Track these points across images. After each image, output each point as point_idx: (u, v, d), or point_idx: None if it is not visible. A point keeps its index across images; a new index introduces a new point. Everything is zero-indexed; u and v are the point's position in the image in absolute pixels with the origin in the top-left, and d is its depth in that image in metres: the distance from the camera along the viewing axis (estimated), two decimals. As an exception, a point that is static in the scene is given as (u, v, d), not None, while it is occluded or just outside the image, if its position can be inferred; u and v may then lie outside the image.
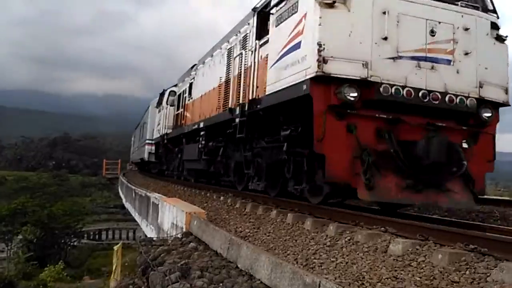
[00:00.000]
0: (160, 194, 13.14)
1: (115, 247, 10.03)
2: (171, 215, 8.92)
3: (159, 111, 23.90)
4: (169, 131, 20.04)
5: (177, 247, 6.55)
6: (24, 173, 73.47)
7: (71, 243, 38.15)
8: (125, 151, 61.90)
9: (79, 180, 76.01)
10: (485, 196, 9.08)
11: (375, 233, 5.22)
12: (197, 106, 14.55)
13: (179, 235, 7.54)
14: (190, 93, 16.03)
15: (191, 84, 16.01)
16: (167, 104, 21.47)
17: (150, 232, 12.42)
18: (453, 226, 5.70)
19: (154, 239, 8.23)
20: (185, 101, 16.99)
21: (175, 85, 21.18)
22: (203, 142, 13.01)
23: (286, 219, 6.88)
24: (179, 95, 18.89)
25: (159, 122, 23.22)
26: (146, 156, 26.91)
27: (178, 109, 18.78)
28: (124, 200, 29.00)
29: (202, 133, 13.20)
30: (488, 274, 3.57)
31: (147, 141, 26.68)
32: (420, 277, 3.79)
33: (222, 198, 10.73)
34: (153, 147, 25.30)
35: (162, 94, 23.84)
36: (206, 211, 8.39)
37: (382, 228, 5.52)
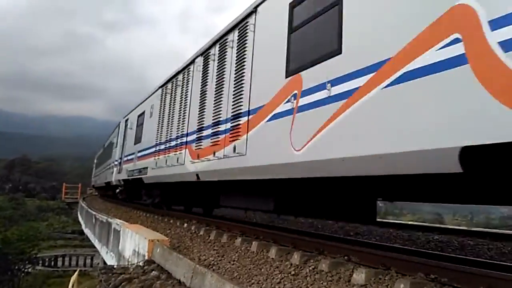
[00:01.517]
0: (122, 220, 12.85)
1: (72, 278, 9.63)
2: (133, 242, 8.73)
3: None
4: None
5: (138, 276, 6.41)
6: (-22, 196, 70.40)
7: (25, 270, 36.51)
8: (85, 175, 60.42)
9: (36, 204, 73.26)
10: (443, 226, 9.33)
11: (339, 262, 5.27)
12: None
13: (141, 263, 7.38)
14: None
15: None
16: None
17: (110, 259, 12.07)
18: (414, 255, 5.80)
19: (115, 267, 8.02)
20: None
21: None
22: None
23: (251, 247, 6.87)
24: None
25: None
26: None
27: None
28: (83, 226, 28.12)
29: None
30: (448, 304, 3.66)
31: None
32: (383, 307, 3.84)
33: (185, 225, 10.59)
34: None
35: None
36: (169, 238, 8.27)
37: (346, 257, 5.60)
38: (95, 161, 42.96)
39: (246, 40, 7.95)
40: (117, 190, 23.79)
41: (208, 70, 9.83)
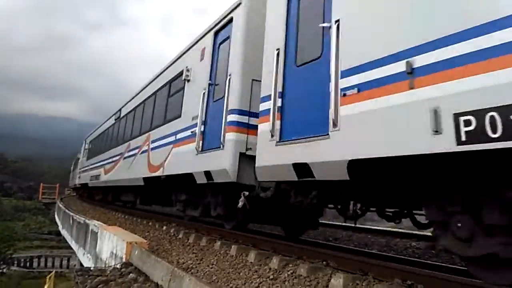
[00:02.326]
0: (100, 221, 12.70)
1: (48, 277, 9.48)
2: (110, 244, 8.63)
3: None
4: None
5: (115, 278, 6.34)
6: (-48, 195, 68.85)
7: (0, 270, 35.80)
8: (64, 176, 59.56)
9: (13, 203, 72.10)
10: (420, 233, 9.46)
11: (317, 267, 5.28)
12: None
13: (118, 265, 7.30)
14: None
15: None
16: None
17: (87, 261, 11.92)
18: (392, 261, 5.86)
19: (92, 269, 7.92)
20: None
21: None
22: None
23: (230, 250, 6.84)
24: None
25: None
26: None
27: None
28: (60, 227, 27.70)
29: None
30: (424, 310, 3.70)
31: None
32: (360, 312, 3.86)
33: (165, 227, 10.52)
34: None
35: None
36: (147, 240, 8.21)
37: (324, 262, 5.62)
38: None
39: None
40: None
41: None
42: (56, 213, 35.21)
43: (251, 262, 6.05)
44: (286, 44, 6.21)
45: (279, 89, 6.09)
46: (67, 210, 22.98)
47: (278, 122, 6.00)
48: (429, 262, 6.95)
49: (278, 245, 6.89)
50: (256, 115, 6.91)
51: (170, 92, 11.51)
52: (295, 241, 8.18)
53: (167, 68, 12.29)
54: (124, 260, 7.38)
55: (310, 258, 5.94)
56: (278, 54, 6.16)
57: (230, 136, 7.32)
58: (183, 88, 10.15)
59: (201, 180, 8.30)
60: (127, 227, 11.45)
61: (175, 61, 11.54)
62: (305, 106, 5.60)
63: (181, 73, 10.32)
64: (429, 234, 12.83)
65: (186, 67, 9.98)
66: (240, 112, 7.38)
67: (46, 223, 56.90)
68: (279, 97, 6.07)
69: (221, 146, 7.45)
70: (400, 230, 12.22)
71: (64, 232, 24.51)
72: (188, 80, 9.91)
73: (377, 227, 13.24)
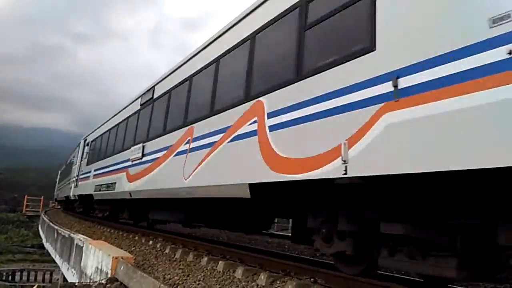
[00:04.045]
0: (85, 235, 12.52)
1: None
2: (96, 259, 8.51)
3: None
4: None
5: (100, 294, 6.24)
6: None
7: (-19, 284, 35.02)
8: (49, 188, 58.76)
9: (-5, 216, 70.78)
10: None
11: (305, 284, 5.28)
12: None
13: (103, 281, 7.20)
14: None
15: None
16: None
17: (71, 276, 11.71)
18: (379, 279, 5.86)
19: (76, 284, 7.80)
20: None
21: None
22: None
23: (217, 266, 6.80)
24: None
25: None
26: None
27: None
28: (44, 240, 27.23)
29: None
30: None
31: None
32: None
33: (151, 242, 10.42)
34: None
35: None
36: (133, 255, 8.11)
37: (312, 279, 5.61)
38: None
39: None
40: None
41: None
42: (40, 226, 34.68)
43: (238, 279, 6.02)
44: None
45: None
46: (51, 223, 22.62)
47: None
48: None
49: (266, 261, 6.88)
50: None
51: None
52: (284, 257, 8.15)
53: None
54: (109, 275, 7.27)
55: (298, 275, 5.93)
56: None
57: None
58: None
59: None
60: (112, 241, 11.31)
61: None
62: None
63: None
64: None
65: None
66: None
67: (29, 236, 55.83)
68: None
69: None
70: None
71: (48, 246, 24.07)
72: None
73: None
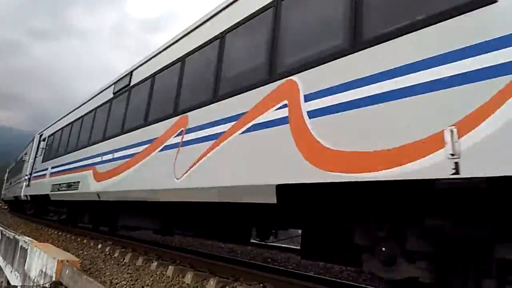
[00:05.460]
0: (31, 237, 12.06)
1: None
2: (40, 262, 8.20)
3: None
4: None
5: (43, 298, 6.02)
6: None
7: None
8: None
9: None
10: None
11: (254, 290, 5.27)
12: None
13: (47, 285, 6.96)
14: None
15: None
16: None
17: (14, 279, 11.23)
18: (329, 286, 5.94)
19: (18, 287, 7.49)
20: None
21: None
22: None
23: (167, 271, 6.71)
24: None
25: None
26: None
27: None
28: (-13, 242, 26.00)
29: None
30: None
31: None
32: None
33: (100, 245, 10.15)
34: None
35: None
36: (80, 259, 7.87)
37: (261, 285, 5.62)
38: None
39: None
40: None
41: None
42: (-17, 227, 33.13)
43: (187, 284, 5.96)
44: None
45: None
46: (-5, 224, 21.67)
47: None
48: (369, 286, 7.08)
49: (216, 266, 6.84)
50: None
51: None
52: (234, 262, 8.12)
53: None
54: (54, 279, 7.02)
55: (248, 280, 5.93)
56: None
57: None
58: None
59: None
60: (59, 244, 10.95)
61: None
62: None
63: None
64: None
65: None
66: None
67: (-29, 237, 53.21)
68: None
69: None
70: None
71: (-9, 248, 23.00)
72: None
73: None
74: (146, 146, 8.32)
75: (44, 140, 19.41)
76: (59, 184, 14.18)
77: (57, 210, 17.30)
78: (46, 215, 19.81)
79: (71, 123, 15.27)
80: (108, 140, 10.60)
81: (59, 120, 17.69)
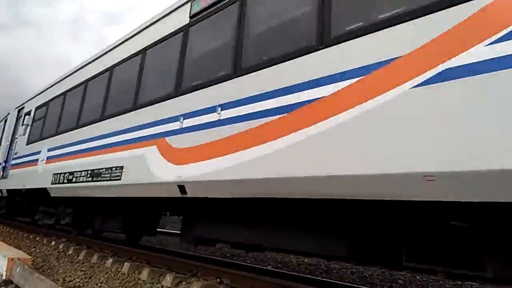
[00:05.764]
0: (-20, 235, 11.63)
1: None
2: (-10, 260, 7.92)
3: None
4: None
5: (-8, 298, 5.84)
6: None
7: None
8: None
9: None
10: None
11: (211, 284, 5.30)
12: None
13: (-4, 284, 6.72)
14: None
15: None
16: None
17: (-39, 279, 10.80)
18: (285, 279, 6.02)
19: (-35, 287, 7.20)
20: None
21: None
22: None
23: (122, 268, 6.62)
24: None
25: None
26: None
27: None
28: None
29: None
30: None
31: None
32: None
33: (53, 243, 9.89)
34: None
35: None
36: (32, 257, 7.64)
37: (218, 279, 5.65)
38: None
39: None
40: None
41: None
42: None
43: (143, 280, 5.91)
44: None
45: None
46: None
47: None
48: (319, 278, 7.22)
49: (172, 262, 6.81)
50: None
51: None
52: (191, 257, 8.11)
53: None
54: (4, 277, 6.80)
55: (205, 276, 5.94)
56: None
57: None
58: None
59: None
60: (11, 241, 10.59)
61: None
62: None
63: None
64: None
65: None
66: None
67: None
68: None
69: None
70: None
71: None
72: None
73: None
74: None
75: (29, 114, 13.91)
76: (71, 173, 9.17)
77: (53, 212, 11.74)
78: (26, 217, 15.05)
79: (89, 79, 10.03)
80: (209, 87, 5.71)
81: (54, 85, 12.60)
